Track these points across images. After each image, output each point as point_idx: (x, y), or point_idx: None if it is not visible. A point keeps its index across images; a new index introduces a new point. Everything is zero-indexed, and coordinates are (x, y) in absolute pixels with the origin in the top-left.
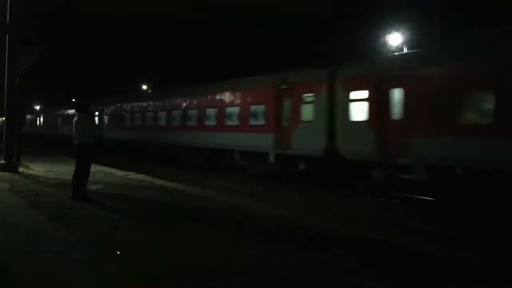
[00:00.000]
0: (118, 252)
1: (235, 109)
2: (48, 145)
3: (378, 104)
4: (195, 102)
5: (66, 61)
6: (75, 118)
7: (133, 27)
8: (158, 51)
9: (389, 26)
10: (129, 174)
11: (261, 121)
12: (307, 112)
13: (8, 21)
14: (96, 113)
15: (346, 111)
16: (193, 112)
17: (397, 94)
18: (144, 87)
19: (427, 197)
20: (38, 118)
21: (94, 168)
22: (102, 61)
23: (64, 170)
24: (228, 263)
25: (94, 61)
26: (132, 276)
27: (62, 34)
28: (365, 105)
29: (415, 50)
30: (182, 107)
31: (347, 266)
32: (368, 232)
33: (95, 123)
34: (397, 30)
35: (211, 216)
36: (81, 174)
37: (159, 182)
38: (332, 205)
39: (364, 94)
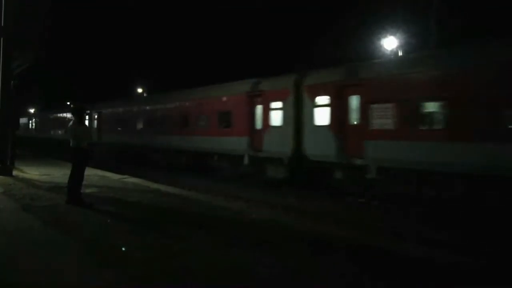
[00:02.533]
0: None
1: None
2: (43, 148)
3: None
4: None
5: (61, 62)
6: (71, 123)
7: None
8: (153, 53)
9: (384, 30)
10: (124, 178)
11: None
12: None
13: (2, 24)
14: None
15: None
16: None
17: None
18: (139, 90)
19: None
20: (31, 121)
21: (89, 172)
22: (97, 63)
23: (58, 174)
24: (225, 268)
25: (89, 62)
26: (129, 281)
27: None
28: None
29: None
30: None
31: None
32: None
33: (89, 127)
34: (392, 34)
35: (206, 219)
36: (76, 177)
37: (154, 185)
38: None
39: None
